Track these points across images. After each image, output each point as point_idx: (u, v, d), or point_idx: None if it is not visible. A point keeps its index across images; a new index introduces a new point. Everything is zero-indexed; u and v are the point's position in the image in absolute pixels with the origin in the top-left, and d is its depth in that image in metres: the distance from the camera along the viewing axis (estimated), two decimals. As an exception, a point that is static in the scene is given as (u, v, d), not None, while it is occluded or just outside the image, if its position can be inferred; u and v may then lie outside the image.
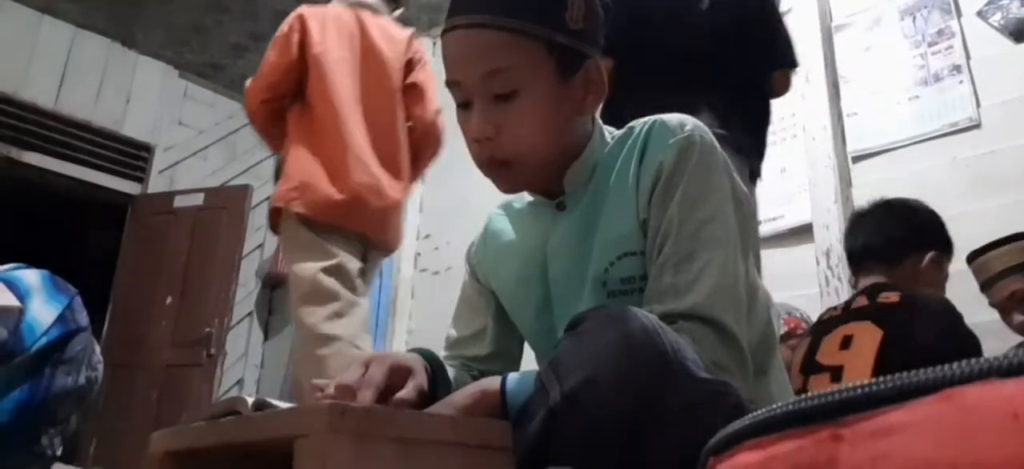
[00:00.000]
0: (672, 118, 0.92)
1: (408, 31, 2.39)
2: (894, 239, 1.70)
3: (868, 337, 1.40)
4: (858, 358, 1.39)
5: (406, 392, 0.78)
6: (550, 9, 0.89)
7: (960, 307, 1.43)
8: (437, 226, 3.97)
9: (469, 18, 0.88)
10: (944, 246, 1.68)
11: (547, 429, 0.65)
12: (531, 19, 0.87)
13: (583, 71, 0.92)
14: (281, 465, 0.61)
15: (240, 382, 4.77)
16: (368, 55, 2.23)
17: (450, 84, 0.93)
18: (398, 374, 0.81)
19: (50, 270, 1.22)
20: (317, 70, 2.13)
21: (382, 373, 0.78)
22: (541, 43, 0.88)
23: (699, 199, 0.86)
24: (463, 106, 0.93)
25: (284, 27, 2.18)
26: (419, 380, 0.82)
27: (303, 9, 2.21)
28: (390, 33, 2.32)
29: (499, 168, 0.92)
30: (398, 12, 2.47)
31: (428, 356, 0.91)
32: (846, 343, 1.43)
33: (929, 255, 1.64)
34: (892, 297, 1.48)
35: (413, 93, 2.31)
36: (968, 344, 1.38)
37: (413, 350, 0.92)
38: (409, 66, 2.33)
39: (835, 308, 1.61)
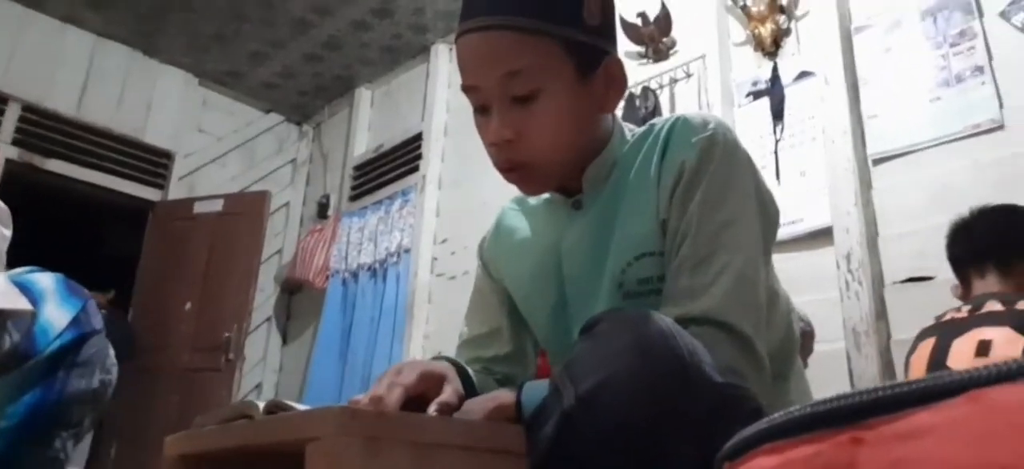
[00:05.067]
0: (695, 116, 0.90)
1: None
2: (1012, 243, 1.63)
3: (1008, 345, 1.32)
4: None
5: (446, 396, 0.75)
6: (567, 6, 0.86)
7: None
8: (454, 230, 3.97)
9: (485, 20, 0.86)
10: None
11: (561, 432, 0.64)
12: (548, 18, 0.85)
13: (603, 68, 0.90)
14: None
15: (259, 386, 4.79)
16: None
17: (467, 89, 0.90)
18: (431, 381, 0.78)
19: (72, 276, 1.23)
20: None
21: (413, 377, 0.75)
22: (559, 42, 0.85)
23: (720, 200, 0.84)
24: (480, 111, 0.90)
25: None
26: (455, 385, 0.79)
27: None
28: None
29: (520, 171, 0.90)
30: None
31: (454, 364, 0.90)
32: (984, 349, 1.35)
33: None
34: None
35: None
36: None
37: (438, 357, 0.91)
38: None
39: (959, 310, 1.52)
